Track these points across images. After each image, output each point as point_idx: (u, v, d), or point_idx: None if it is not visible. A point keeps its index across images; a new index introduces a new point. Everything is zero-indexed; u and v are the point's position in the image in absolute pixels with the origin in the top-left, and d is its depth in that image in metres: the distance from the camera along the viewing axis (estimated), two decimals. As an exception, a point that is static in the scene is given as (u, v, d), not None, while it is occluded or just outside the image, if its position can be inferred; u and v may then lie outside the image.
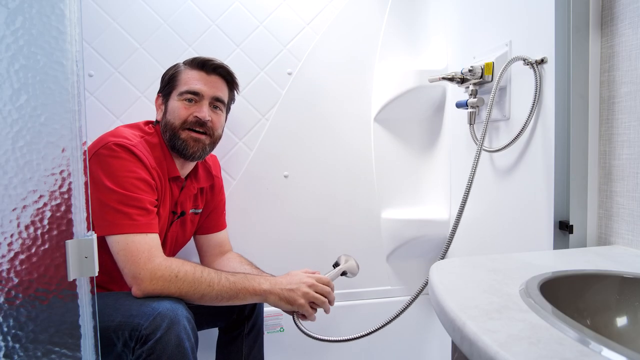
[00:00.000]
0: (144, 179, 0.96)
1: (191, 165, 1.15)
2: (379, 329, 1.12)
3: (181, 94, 1.07)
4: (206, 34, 1.40)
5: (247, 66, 1.43)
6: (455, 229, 1.03)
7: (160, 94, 1.12)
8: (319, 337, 1.06)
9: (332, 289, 1.08)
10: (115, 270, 0.94)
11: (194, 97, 1.07)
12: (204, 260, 1.27)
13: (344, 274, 1.19)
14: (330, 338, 1.07)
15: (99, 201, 0.91)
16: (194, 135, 1.07)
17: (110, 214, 0.91)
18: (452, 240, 1.05)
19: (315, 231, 1.50)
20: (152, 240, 0.93)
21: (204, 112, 1.07)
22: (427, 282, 1.08)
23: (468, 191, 1.00)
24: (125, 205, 0.91)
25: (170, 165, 1.08)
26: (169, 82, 1.10)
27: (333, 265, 1.21)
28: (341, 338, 1.08)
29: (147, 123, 1.12)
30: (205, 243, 1.27)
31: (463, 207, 1.01)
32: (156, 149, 1.05)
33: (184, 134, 1.06)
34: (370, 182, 1.53)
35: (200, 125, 1.07)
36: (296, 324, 1.05)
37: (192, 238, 1.29)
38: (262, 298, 0.99)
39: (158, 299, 0.88)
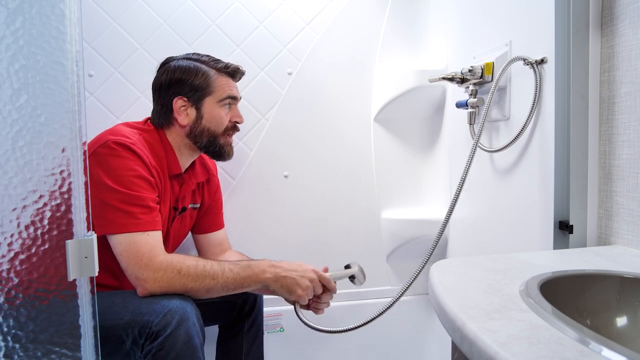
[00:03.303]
0: (145, 177, 0.96)
1: (192, 160, 1.16)
2: (374, 318, 1.14)
3: (222, 100, 1.10)
4: (206, 34, 1.40)
5: (247, 66, 1.43)
6: (445, 225, 1.03)
7: (183, 98, 1.07)
8: (318, 327, 1.07)
9: (334, 290, 1.08)
10: (116, 268, 0.94)
11: (233, 102, 1.14)
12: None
13: (352, 277, 1.18)
14: (327, 329, 1.07)
15: (99, 201, 0.90)
16: (229, 139, 1.16)
17: (111, 213, 0.90)
18: (440, 236, 1.04)
19: (315, 231, 1.50)
20: (153, 239, 0.93)
21: (242, 117, 1.17)
22: (421, 269, 1.08)
23: (460, 188, 1.00)
24: (127, 204, 0.91)
25: (172, 162, 1.08)
26: (200, 88, 1.08)
27: (345, 267, 1.19)
28: (338, 329, 1.09)
29: (146, 120, 1.12)
30: (206, 242, 1.28)
31: (454, 204, 1.00)
32: (156, 147, 1.06)
33: (223, 139, 1.13)
34: (370, 182, 1.53)
35: (236, 129, 1.16)
36: (297, 313, 1.06)
37: (190, 235, 1.30)
38: (264, 285, 0.99)
39: (167, 296, 0.88)
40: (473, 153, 1.00)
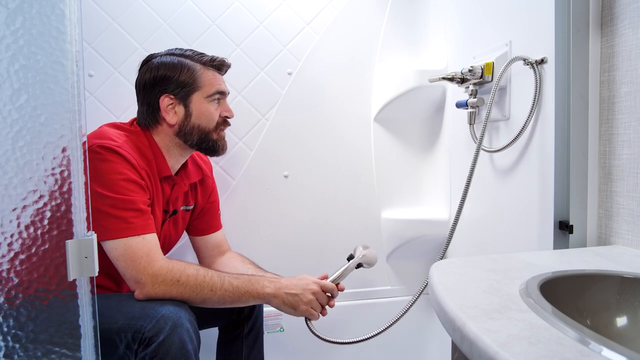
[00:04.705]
0: (134, 180, 0.93)
1: (183, 160, 1.13)
2: (384, 330, 1.15)
3: (210, 95, 1.07)
4: (206, 34, 1.40)
5: (247, 66, 1.43)
6: (454, 229, 1.03)
7: (169, 96, 1.04)
8: (329, 339, 1.07)
9: (337, 293, 1.07)
10: (113, 270, 0.94)
11: (222, 97, 1.10)
12: (203, 262, 1.26)
13: (359, 266, 1.16)
14: (340, 340, 1.09)
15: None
16: (222, 133, 1.12)
17: (103, 219, 0.88)
18: (450, 240, 1.05)
19: (315, 231, 1.50)
20: (149, 242, 0.91)
21: (232, 110, 1.13)
22: (427, 284, 1.09)
23: (466, 191, 1.00)
24: (118, 209, 0.89)
25: (161, 164, 1.05)
26: (187, 84, 1.04)
27: (347, 258, 1.17)
28: (349, 340, 1.10)
29: (132, 122, 1.09)
30: (203, 244, 1.26)
31: (461, 207, 1.01)
32: (144, 149, 1.02)
33: (216, 135, 1.10)
34: (370, 182, 1.53)
35: (227, 124, 1.13)
36: (308, 325, 1.07)
37: (187, 238, 1.28)
38: (265, 301, 0.99)
39: (161, 301, 0.88)
40: (476, 157, 1.00)
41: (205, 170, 1.23)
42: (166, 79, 1.04)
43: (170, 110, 1.05)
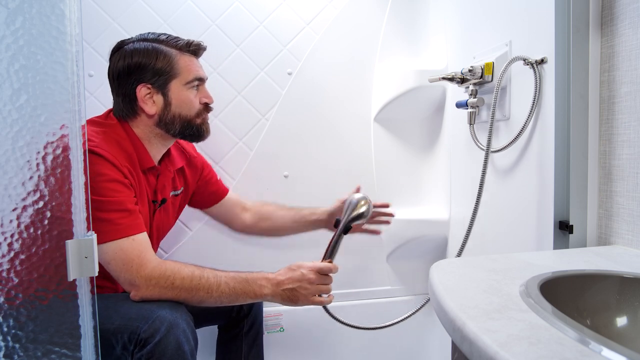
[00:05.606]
0: (117, 179, 0.90)
1: (164, 150, 1.10)
2: (396, 322, 1.29)
3: (189, 82, 1.03)
4: (206, 34, 1.40)
5: (247, 66, 1.43)
6: (469, 231, 1.04)
7: (146, 85, 0.99)
8: (347, 322, 1.17)
9: (335, 269, 1.04)
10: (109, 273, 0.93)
11: (201, 83, 1.07)
12: (234, 224, 1.28)
13: (347, 230, 1.08)
14: (356, 324, 1.19)
15: None
16: (205, 117, 1.09)
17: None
18: (466, 241, 1.05)
19: (315, 231, 1.50)
20: (140, 244, 0.90)
21: (211, 96, 1.09)
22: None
23: (479, 199, 1.00)
24: (104, 212, 0.87)
25: (143, 155, 1.01)
26: (164, 71, 1.00)
27: (334, 224, 1.11)
28: (366, 326, 1.21)
29: (108, 113, 1.04)
30: (223, 210, 1.26)
31: (475, 212, 1.00)
32: (123, 142, 0.98)
33: (199, 120, 1.07)
34: (370, 182, 1.53)
35: (208, 109, 1.10)
36: (326, 311, 1.15)
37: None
38: (264, 300, 0.99)
39: (158, 302, 0.87)
40: (486, 163, 1.00)
41: (189, 153, 1.21)
42: (141, 67, 0.98)
43: (149, 100, 1.00)
